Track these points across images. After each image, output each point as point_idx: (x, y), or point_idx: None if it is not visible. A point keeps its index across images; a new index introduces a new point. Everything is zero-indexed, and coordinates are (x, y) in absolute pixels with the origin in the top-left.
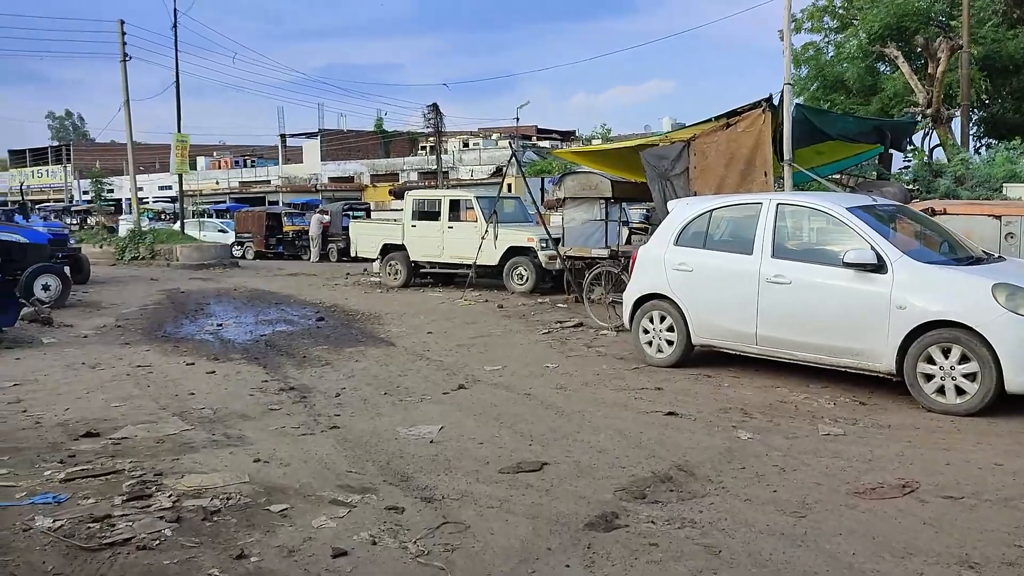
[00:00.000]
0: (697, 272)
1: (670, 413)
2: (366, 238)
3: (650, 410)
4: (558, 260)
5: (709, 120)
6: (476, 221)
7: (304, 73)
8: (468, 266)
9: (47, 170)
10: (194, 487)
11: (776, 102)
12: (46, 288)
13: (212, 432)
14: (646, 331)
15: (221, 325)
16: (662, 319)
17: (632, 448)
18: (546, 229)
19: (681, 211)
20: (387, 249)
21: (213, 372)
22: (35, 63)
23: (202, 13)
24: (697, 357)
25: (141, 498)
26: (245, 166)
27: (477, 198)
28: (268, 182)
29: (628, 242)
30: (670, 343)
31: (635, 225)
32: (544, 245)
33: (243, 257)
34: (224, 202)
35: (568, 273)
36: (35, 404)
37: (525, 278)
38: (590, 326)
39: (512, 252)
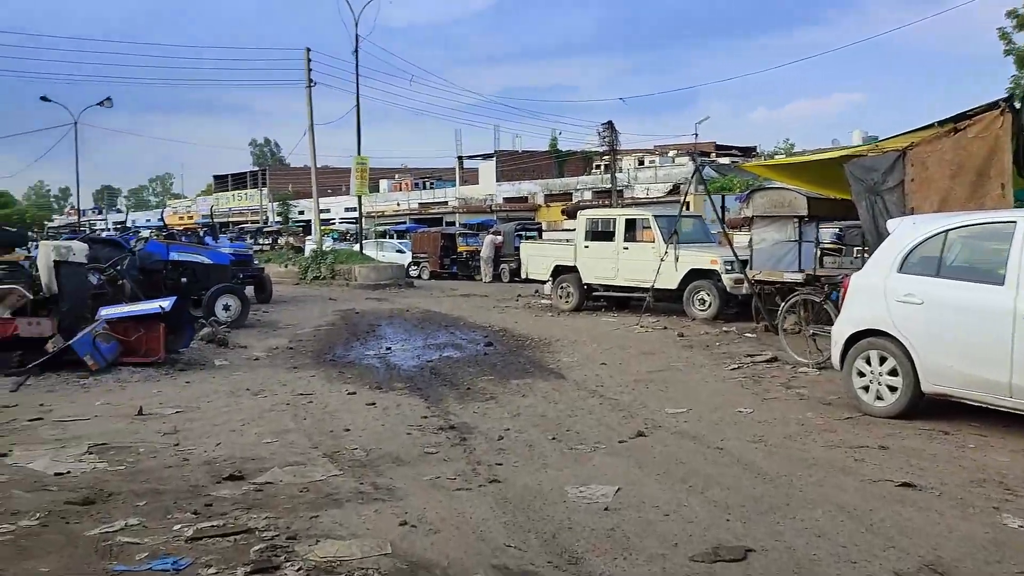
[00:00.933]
0: (929, 305)
1: (905, 484)
2: (537, 259)
3: (877, 478)
4: (745, 284)
5: (930, 126)
6: (653, 242)
7: (481, 95)
8: (644, 289)
9: (246, 193)
10: (327, 558)
11: (1018, 104)
12: (226, 308)
13: (360, 480)
14: (861, 374)
15: (390, 349)
16: (882, 360)
17: (862, 533)
18: (733, 250)
19: (906, 231)
20: (559, 271)
21: (373, 404)
22: (241, 96)
23: (384, 41)
24: (927, 407)
25: (267, 571)
26: (424, 188)
27: (655, 217)
28: (446, 203)
29: (821, 264)
30: (892, 389)
31: (827, 245)
32: (729, 268)
33: (419, 277)
34: (404, 223)
35: (757, 299)
36: (189, 436)
37: (707, 303)
38: (786, 361)
39: (693, 275)
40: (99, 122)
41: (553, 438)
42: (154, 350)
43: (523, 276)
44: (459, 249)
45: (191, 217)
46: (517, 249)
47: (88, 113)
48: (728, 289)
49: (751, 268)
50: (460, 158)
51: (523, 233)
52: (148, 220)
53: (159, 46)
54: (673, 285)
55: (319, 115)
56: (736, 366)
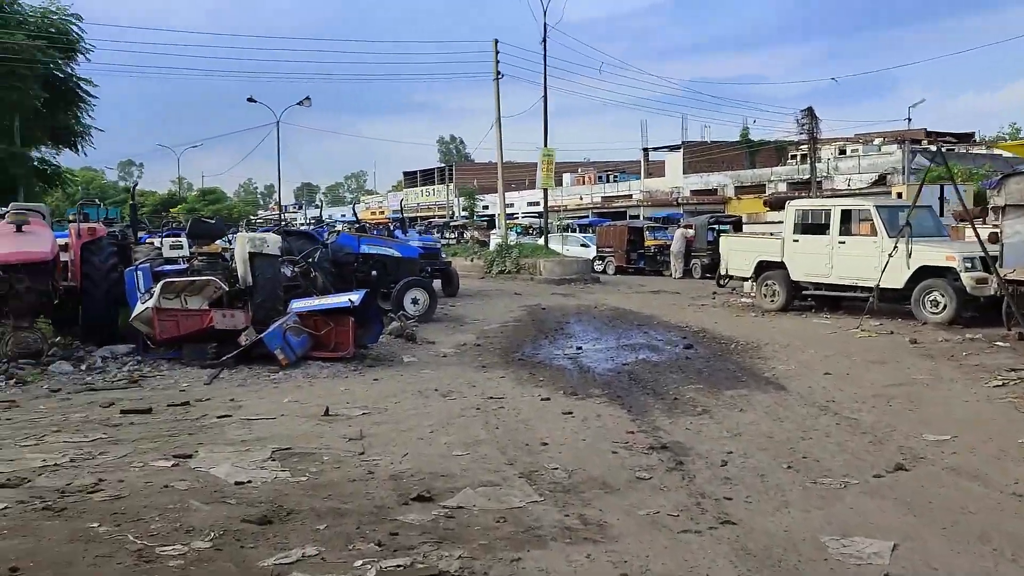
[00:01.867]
0: None
1: None
2: (739, 254)
3: None
4: (993, 284)
5: None
6: (874, 235)
7: (672, 82)
8: (863, 288)
9: (433, 189)
10: None
11: None
12: (415, 302)
13: (564, 510)
14: None
15: (580, 349)
16: None
17: None
18: (982, 245)
19: None
20: (763, 267)
21: (570, 413)
22: (429, 95)
23: (563, 37)
24: None
25: None
26: (607, 181)
27: (877, 207)
28: (629, 196)
29: None
30: None
31: None
32: (970, 265)
33: (604, 272)
34: (587, 216)
35: (1009, 301)
36: (375, 443)
37: (941, 306)
38: None
39: (924, 273)
40: (299, 121)
41: (788, 467)
42: (343, 345)
43: (722, 272)
44: (647, 243)
45: (382, 212)
46: (710, 243)
47: (289, 113)
48: (968, 290)
49: (1002, 265)
50: (645, 150)
51: (717, 227)
52: (343, 215)
53: (353, 42)
54: (899, 284)
55: (503, 110)
56: (1000, 383)
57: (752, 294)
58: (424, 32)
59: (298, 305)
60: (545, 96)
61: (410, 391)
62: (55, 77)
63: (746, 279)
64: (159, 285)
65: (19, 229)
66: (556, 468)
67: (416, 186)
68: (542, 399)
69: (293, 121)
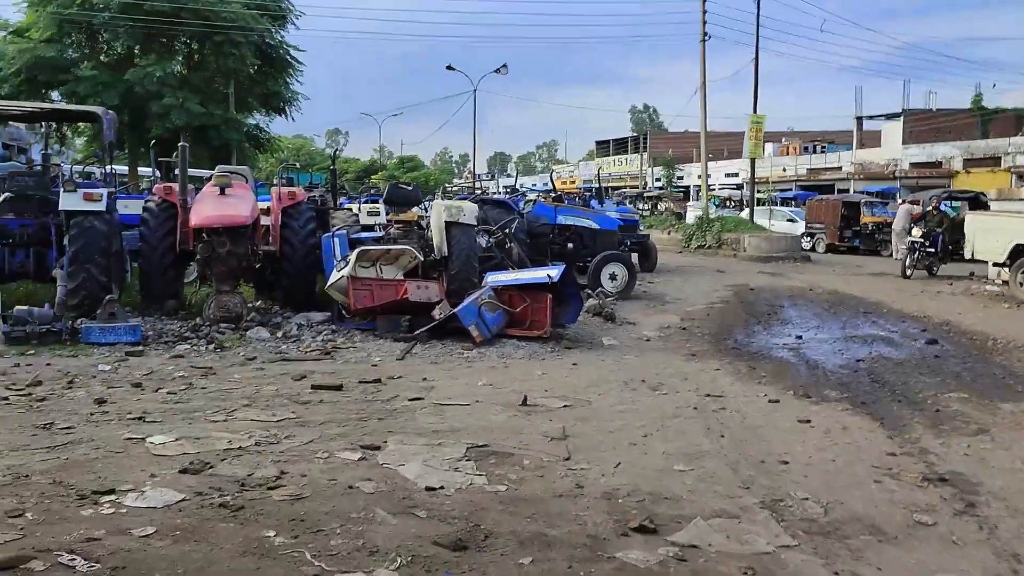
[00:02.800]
0: None
1: None
2: (989, 235)
3: None
4: None
5: None
6: None
7: (893, 42)
8: None
9: (625, 159)
10: None
11: None
12: (612, 278)
13: (830, 562)
14: None
15: (801, 338)
16: None
17: None
18: None
19: None
20: (1019, 251)
21: (808, 422)
22: (623, 63)
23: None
24: None
25: None
26: (814, 152)
27: None
28: (838, 168)
29: None
30: None
31: None
32: None
33: (812, 250)
34: (790, 190)
35: None
36: (580, 447)
37: None
38: None
39: None
40: (495, 89)
41: None
42: (540, 323)
43: (968, 255)
44: (863, 220)
45: (573, 182)
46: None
47: (485, 81)
48: None
49: None
50: (859, 118)
51: (951, 203)
52: (533, 185)
53: (552, 3)
54: None
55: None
56: None
57: (1000, 281)
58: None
59: (494, 279)
60: (757, 57)
61: (614, 381)
62: (267, 44)
63: (999, 264)
64: (355, 253)
65: (223, 192)
66: (806, 498)
67: (608, 155)
68: (770, 400)
69: (489, 89)
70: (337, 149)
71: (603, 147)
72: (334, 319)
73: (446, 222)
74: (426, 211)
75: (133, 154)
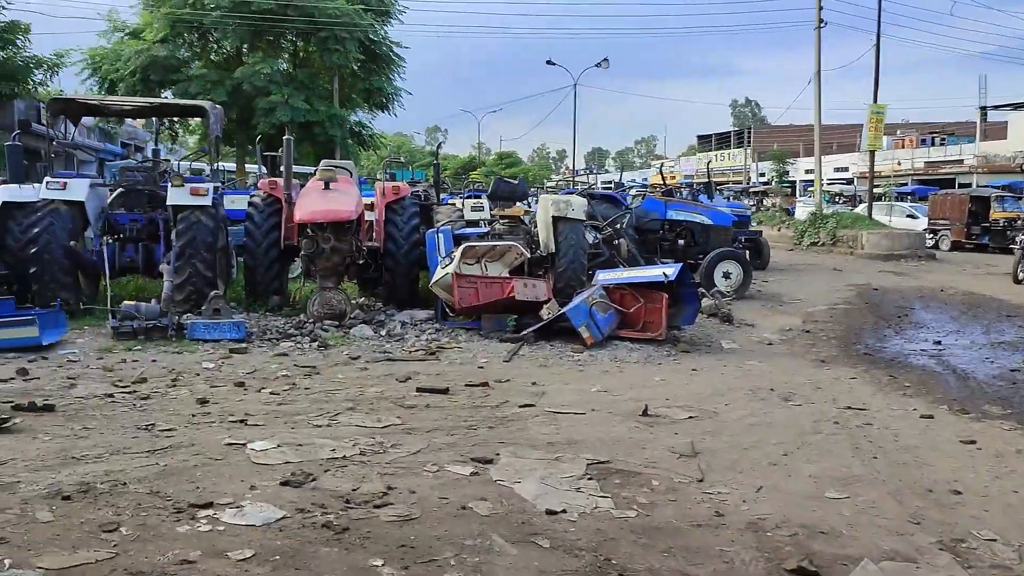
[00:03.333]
0: None
1: None
2: None
3: None
4: None
5: None
6: None
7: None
8: None
9: (728, 153)
10: None
11: None
12: (726, 276)
13: None
14: None
15: (940, 344)
16: None
17: None
18: None
19: None
20: None
21: (972, 443)
22: (722, 56)
23: None
24: None
25: None
26: (932, 145)
27: None
28: (960, 162)
29: None
30: None
31: None
32: None
33: (936, 247)
34: (906, 184)
35: None
36: (713, 465)
37: None
38: None
39: None
40: (594, 83)
41: None
42: (654, 325)
43: None
44: (992, 216)
45: (674, 177)
46: None
47: (584, 75)
48: None
49: None
50: (983, 108)
51: None
52: (632, 180)
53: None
54: None
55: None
56: None
57: None
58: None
59: (605, 277)
60: (878, 43)
61: (740, 389)
62: (370, 40)
63: None
64: (460, 249)
65: (327, 186)
66: (992, 539)
67: (710, 150)
68: (921, 416)
69: (588, 84)
70: (439, 143)
71: (705, 141)
72: (438, 317)
73: (553, 217)
74: (529, 206)
75: (240, 150)
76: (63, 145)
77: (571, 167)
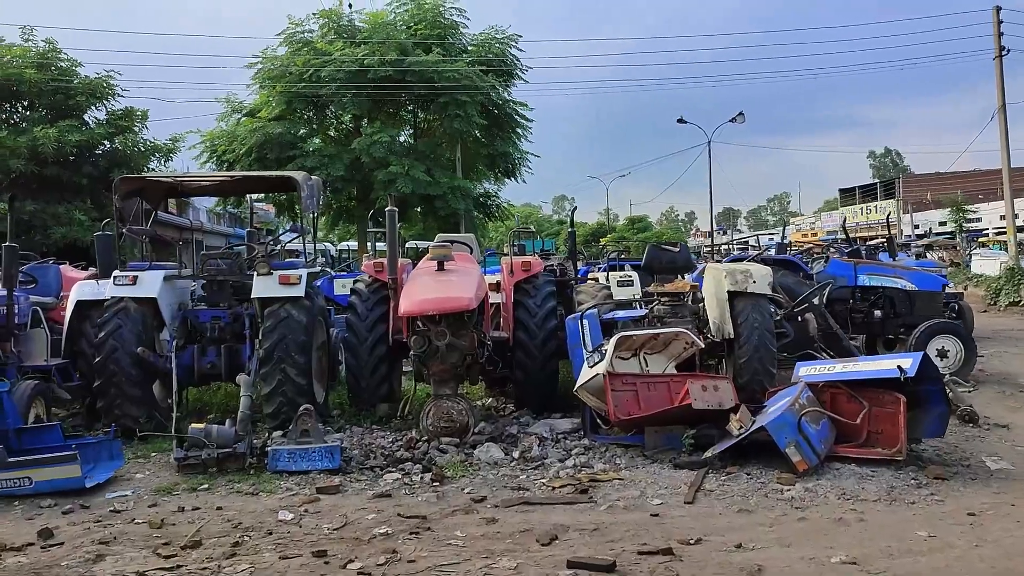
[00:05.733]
0: None
1: None
2: None
3: None
4: None
5: None
6: None
7: None
8: None
9: (874, 206)
10: None
11: None
12: (942, 355)
13: None
14: None
15: None
16: None
17: None
18: None
19: None
20: None
21: None
22: (855, 109)
23: None
24: None
25: None
26: None
27: None
28: None
29: None
30: None
31: None
32: None
33: None
34: None
35: None
36: None
37: None
38: None
39: None
40: (725, 139)
41: None
42: (885, 438)
43: None
44: None
45: (815, 234)
46: None
47: (712, 132)
48: None
49: None
50: None
51: None
52: (769, 239)
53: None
54: None
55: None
56: None
57: None
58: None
59: (810, 372)
60: None
61: None
62: (492, 103)
63: None
64: (612, 340)
65: (441, 267)
66: None
67: (854, 203)
68: None
69: (719, 140)
70: (574, 207)
71: (848, 195)
72: (586, 430)
73: (729, 292)
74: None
75: (362, 228)
76: (134, 232)
77: (711, 227)
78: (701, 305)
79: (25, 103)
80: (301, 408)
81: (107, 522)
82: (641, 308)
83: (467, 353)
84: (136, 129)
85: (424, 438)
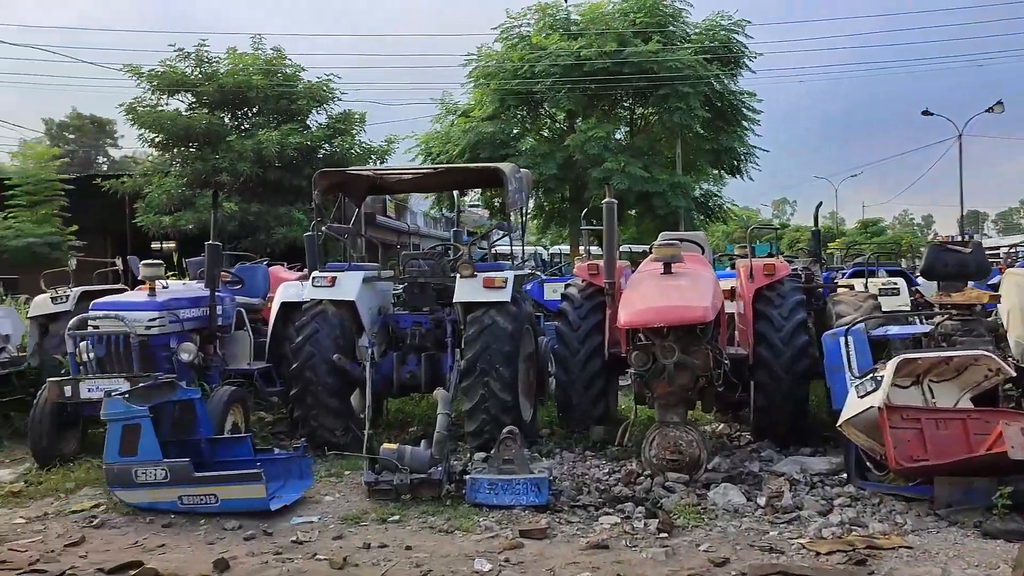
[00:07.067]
0: None
1: None
2: None
3: None
4: None
5: None
6: None
7: None
8: None
9: None
10: None
11: None
12: None
13: None
14: None
15: None
16: None
17: None
18: None
19: None
20: None
21: None
22: None
23: None
24: None
25: None
26: None
27: None
28: None
29: None
30: None
31: None
32: None
33: None
34: None
35: None
36: None
37: None
38: None
39: None
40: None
41: None
42: None
43: None
44: None
45: None
46: None
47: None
48: None
49: None
50: None
51: None
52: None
53: None
54: None
55: None
56: None
57: None
58: None
59: None
60: None
61: None
62: (715, 94)
63: None
64: (892, 364)
65: (668, 270)
66: None
67: None
68: None
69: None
70: (819, 203)
71: None
72: (850, 473)
73: None
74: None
75: (574, 230)
76: (334, 230)
77: (961, 227)
78: (998, 320)
79: (254, 109)
80: (505, 431)
81: (287, 555)
82: (921, 323)
83: (699, 374)
84: (354, 132)
85: (646, 472)
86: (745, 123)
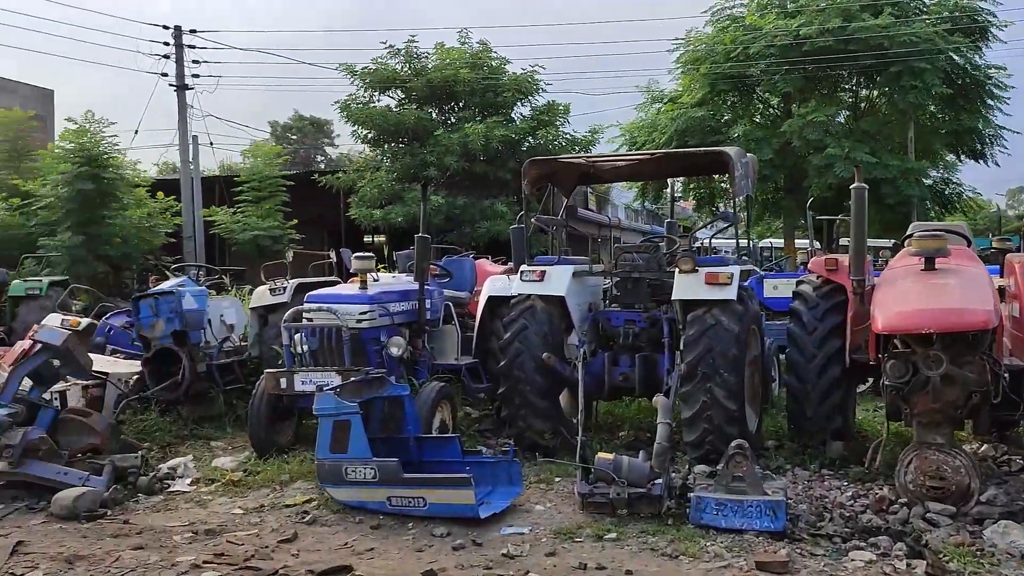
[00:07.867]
0: None
1: None
2: None
3: None
4: None
5: None
6: None
7: None
8: None
9: None
10: None
11: None
12: None
13: None
14: None
15: None
16: None
17: None
18: None
19: None
20: None
21: None
22: None
23: None
24: None
25: None
26: None
27: None
28: None
29: None
30: None
31: None
32: None
33: None
34: None
35: None
36: None
37: None
38: None
39: None
40: None
41: None
42: None
43: None
44: None
45: None
46: None
47: None
48: None
49: None
50: None
51: None
52: None
53: None
54: None
55: None
56: None
57: None
58: None
59: None
60: None
61: None
62: (956, 69)
63: None
64: None
65: (930, 266)
66: None
67: None
68: None
69: None
70: None
71: None
72: None
73: None
74: None
75: (789, 221)
76: (543, 222)
77: None
78: None
79: (460, 103)
80: (734, 445)
81: (498, 571)
82: None
83: (973, 389)
84: (557, 124)
85: (901, 499)
86: (991, 101)
